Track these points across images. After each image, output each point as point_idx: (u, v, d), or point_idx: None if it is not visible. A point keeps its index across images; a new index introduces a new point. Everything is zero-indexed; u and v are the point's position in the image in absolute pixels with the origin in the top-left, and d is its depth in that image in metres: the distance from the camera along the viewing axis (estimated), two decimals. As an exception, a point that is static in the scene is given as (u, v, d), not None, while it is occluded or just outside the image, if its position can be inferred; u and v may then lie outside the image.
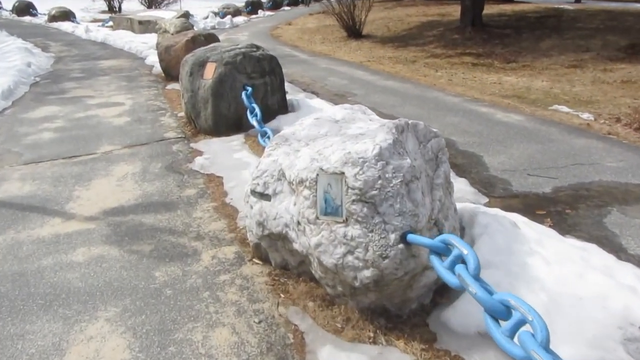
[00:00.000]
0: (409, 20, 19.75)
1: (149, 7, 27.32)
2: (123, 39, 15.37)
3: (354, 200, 2.15)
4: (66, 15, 22.01)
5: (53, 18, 21.95)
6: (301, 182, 2.36)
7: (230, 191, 4.00)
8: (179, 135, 5.76)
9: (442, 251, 1.96)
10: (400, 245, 2.09)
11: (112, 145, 5.51)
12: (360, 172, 2.15)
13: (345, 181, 2.18)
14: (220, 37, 11.61)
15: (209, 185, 4.21)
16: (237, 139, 5.38)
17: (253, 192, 2.73)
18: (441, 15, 20.32)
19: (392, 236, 2.09)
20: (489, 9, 16.83)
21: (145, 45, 13.79)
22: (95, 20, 23.60)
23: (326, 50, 14.22)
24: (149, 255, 3.11)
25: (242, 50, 5.67)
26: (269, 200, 2.63)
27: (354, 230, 2.15)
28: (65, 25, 20.97)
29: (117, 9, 27.01)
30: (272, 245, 2.75)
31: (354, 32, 16.53)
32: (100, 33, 17.50)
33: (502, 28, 16.15)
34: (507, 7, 21.14)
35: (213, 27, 19.72)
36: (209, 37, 9.10)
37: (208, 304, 2.61)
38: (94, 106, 7.51)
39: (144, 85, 9.06)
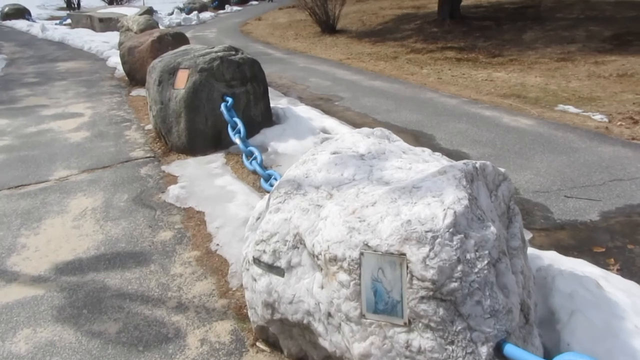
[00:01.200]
0: (383, 14, 19.11)
1: (110, 3, 25.97)
2: (82, 38, 14.26)
3: (422, 297, 1.44)
4: (20, 12, 20.58)
5: (6, 16, 20.51)
6: (334, 260, 1.63)
7: (216, 234, 3.23)
8: (148, 155, 4.93)
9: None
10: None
11: (68, 170, 4.65)
12: (432, 255, 1.43)
13: (408, 267, 1.46)
14: (187, 35, 10.71)
15: (188, 224, 3.42)
16: (217, 159, 4.60)
17: (257, 262, 1.98)
18: (416, 8, 19.74)
19: (483, 350, 1.39)
20: (464, 1, 16.30)
21: (107, 45, 12.76)
22: (52, 18, 22.20)
23: (301, 47, 13.44)
24: (116, 340, 2.33)
25: (219, 54, 4.87)
26: (282, 275, 1.89)
27: (424, 340, 1.44)
28: (19, 24, 19.58)
29: (75, 6, 25.56)
30: (285, 332, 2.02)
31: (328, 27, 15.79)
32: (57, 32, 16.29)
33: (481, 20, 15.64)
34: (482, -1, 20.71)
35: (179, 24, 18.68)
36: (177, 37, 8.22)
37: None
38: (49, 118, 6.59)
39: (106, 92, 8.14)
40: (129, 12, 16.75)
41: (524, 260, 1.84)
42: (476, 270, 1.45)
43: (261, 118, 5.07)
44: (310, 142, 4.78)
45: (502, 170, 1.98)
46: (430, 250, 1.45)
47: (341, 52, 12.32)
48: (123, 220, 3.55)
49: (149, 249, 3.14)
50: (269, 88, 5.76)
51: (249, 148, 4.20)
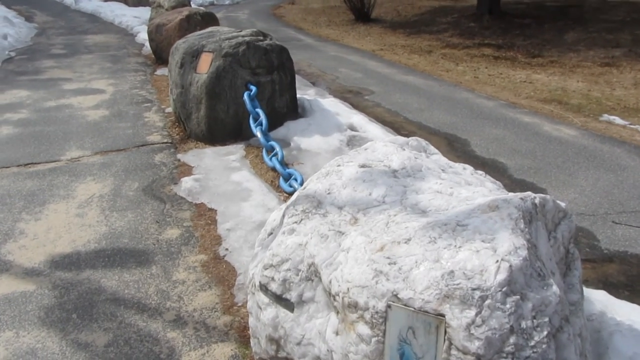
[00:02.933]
0: (419, 5, 18.55)
1: (145, -23, 25.79)
2: (114, 11, 14.12)
3: (463, 373, 1.13)
4: (55, -18, 20.50)
5: (41, -15, 20.46)
6: (354, 307, 1.35)
7: (226, 236, 2.97)
8: (165, 140, 4.69)
9: None
10: None
11: (81, 150, 4.44)
12: (478, 321, 1.14)
13: (447, 332, 1.16)
14: (218, 15, 10.45)
15: (198, 223, 3.17)
16: (236, 151, 4.33)
17: (264, 290, 1.70)
18: (454, 1, 19.12)
19: None
20: (505, -4, 15.67)
21: (137, 20, 12.58)
22: (86, -10, 22.12)
23: (333, 34, 13.07)
24: (103, 355, 2.09)
25: (246, 38, 4.57)
26: (291, 309, 1.61)
27: None
28: (54, -7, 19.57)
29: (110, -21, 25.42)
30: (291, 371, 1.74)
31: (362, 15, 15.34)
32: (90, 4, 16.20)
33: (521, 17, 15.02)
34: (524, -5, 19.98)
35: (211, 3, 18.42)
36: (206, 17, 7.96)
37: None
38: (70, 93, 6.41)
39: (131, 69, 7.93)
40: (162, -12, 16.55)
41: (583, 318, 1.53)
42: (533, 343, 1.14)
43: (286, 110, 4.78)
44: (336, 140, 4.47)
45: (563, 205, 1.66)
46: (477, 315, 1.15)
47: (374, 43, 11.92)
48: (130, 211, 3.32)
49: (153, 247, 2.90)
50: (297, 76, 5.47)
51: (270, 142, 3.92)
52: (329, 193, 1.82)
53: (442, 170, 1.96)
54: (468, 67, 9.33)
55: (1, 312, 2.36)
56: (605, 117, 6.17)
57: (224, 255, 2.80)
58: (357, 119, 5.03)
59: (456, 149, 4.67)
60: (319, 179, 1.94)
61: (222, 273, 2.66)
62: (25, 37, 10.89)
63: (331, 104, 5.34)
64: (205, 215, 3.26)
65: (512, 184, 3.93)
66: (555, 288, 1.22)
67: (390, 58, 9.78)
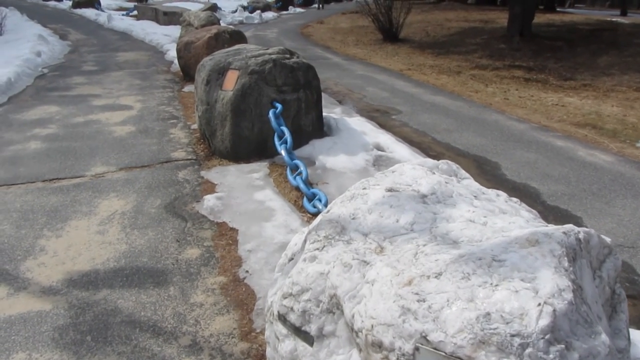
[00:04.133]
0: (449, 25, 18.49)
1: (177, -3, 26.35)
2: (145, 30, 14.41)
3: None
4: (90, 1, 21.19)
5: (77, 4, 21.16)
6: (378, 346, 1.24)
7: (247, 258, 2.89)
8: (189, 157, 4.67)
9: None
10: None
11: (106, 166, 4.44)
12: (518, 371, 1.01)
13: (481, 382, 1.04)
14: (247, 34, 10.56)
15: (219, 243, 3.09)
16: (260, 169, 4.27)
17: (283, 320, 1.61)
18: (483, 22, 19.02)
19: None
20: (535, 18, 15.44)
21: (168, 38, 12.80)
22: (120, 9, 22.77)
23: (361, 53, 13.06)
24: (115, 381, 2.01)
25: (273, 56, 4.54)
26: (310, 343, 1.51)
27: None
28: (88, 12, 20.18)
29: (144, -2, 26.12)
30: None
31: (390, 35, 15.33)
32: (123, 22, 16.61)
33: (553, 40, 14.81)
34: (555, 17, 19.76)
35: (241, 22, 18.69)
36: (235, 35, 8.01)
37: None
38: (98, 109, 6.48)
39: (159, 85, 8.01)
40: (193, 7, 16.87)
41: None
42: (579, 399, 1.02)
43: (311, 128, 4.72)
44: (362, 159, 4.38)
45: (608, 240, 1.52)
46: (516, 364, 1.03)
47: (402, 62, 11.86)
48: (151, 229, 3.27)
49: (172, 267, 2.83)
50: (323, 94, 5.41)
51: (294, 161, 3.85)
52: (353, 218, 1.72)
53: (475, 196, 1.84)
54: (498, 88, 9.18)
55: (15, 332, 2.31)
56: (643, 143, 5.94)
57: (244, 278, 2.72)
58: (384, 138, 4.93)
59: (486, 172, 4.53)
60: (343, 202, 1.85)
61: (241, 296, 2.57)
62: (59, 55, 11.16)
63: (358, 123, 5.26)
64: (227, 235, 3.18)
65: (545, 210, 3.77)
66: (604, 337, 1.10)
67: (418, 78, 9.69)
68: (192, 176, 4.21)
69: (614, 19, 19.54)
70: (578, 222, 3.58)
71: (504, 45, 14.31)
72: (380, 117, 6.38)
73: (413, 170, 2.03)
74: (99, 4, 21.49)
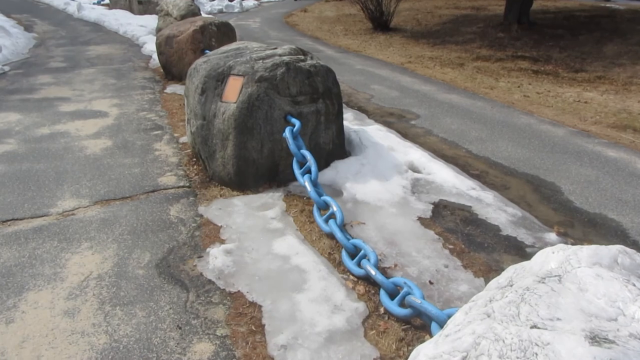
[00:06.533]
0: (439, 13, 17.70)
1: (150, -16, 24.95)
2: (119, 20, 13.25)
3: None
4: (58, -11, 19.74)
5: (43, -8, 19.74)
6: None
7: (279, 357, 2.01)
8: (181, 184, 3.77)
9: None
10: None
11: (77, 198, 3.51)
12: None
13: None
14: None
15: (237, 331, 2.21)
16: (274, 202, 3.38)
17: None
18: (475, 10, 18.28)
19: None
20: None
21: (144, 30, 11.70)
22: (91, -4, 21.33)
23: (353, 44, 12.17)
24: None
25: (284, 58, 3.64)
26: None
27: None
28: (56, 1, 18.85)
29: (115, -15, 24.62)
30: None
31: (380, 24, 14.49)
32: (94, 12, 15.38)
33: (552, 28, 14.13)
34: (548, 3, 19.12)
35: (220, 11, 17.58)
36: (223, 28, 7.04)
37: None
38: (67, 116, 5.50)
39: (137, 85, 7.02)
40: (169, -5, 15.71)
41: None
42: None
43: (332, 146, 3.84)
44: (398, 186, 3.53)
45: None
46: None
47: (399, 54, 11.02)
48: (139, 306, 2.37)
49: (175, 380, 1.94)
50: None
51: (322, 198, 2.98)
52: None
53: None
54: (510, 82, 8.41)
55: None
56: (698, 149, 5.21)
57: (284, 400, 1.84)
58: (417, 155, 4.08)
59: (547, 197, 3.72)
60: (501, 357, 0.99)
61: None
62: (23, 49, 10.02)
63: (381, 135, 4.40)
64: (247, 316, 2.30)
65: (632, 246, 2.96)
66: None
67: (422, 72, 8.85)
68: (187, 213, 3.31)
69: (607, 5, 18.96)
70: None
71: (503, 34, 13.59)
72: (398, 123, 5.53)
73: (598, 280, 1.18)
74: (67, -9, 20.06)
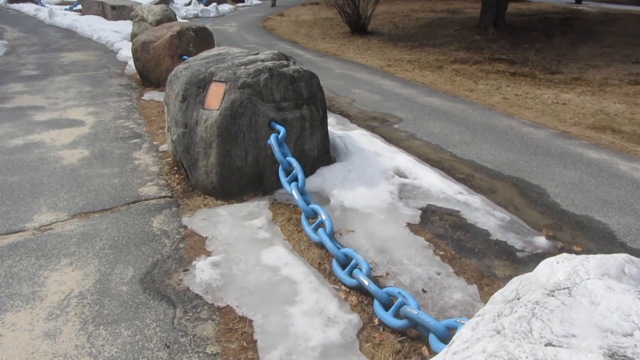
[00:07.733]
0: (416, 17, 17.81)
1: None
2: (92, 26, 13.00)
3: None
4: (29, -5, 19.36)
5: (15, -1, 19.32)
6: None
7: (276, 377, 1.94)
8: (163, 194, 3.66)
9: None
10: None
11: (54, 212, 3.38)
12: None
13: None
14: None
15: (228, 347, 2.13)
16: (260, 211, 3.31)
17: None
18: (451, 13, 18.45)
19: None
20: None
21: (118, 35, 11.50)
22: (63, 3, 20.96)
23: (331, 48, 12.15)
24: None
25: (267, 63, 3.57)
26: None
27: None
28: (27, 7, 18.42)
29: (87, -10, 24.21)
30: None
31: (358, 27, 14.51)
32: (66, 18, 15.06)
33: (527, 30, 14.35)
34: (522, 6, 19.39)
35: (196, 16, 17.40)
36: (200, 33, 6.94)
37: None
38: (41, 125, 5.33)
39: (113, 92, 6.87)
40: (144, 1, 15.50)
41: None
42: None
43: (317, 152, 3.78)
44: (385, 191, 3.49)
45: None
46: None
47: (378, 57, 11.03)
48: (124, 325, 2.27)
49: (165, 403, 1.85)
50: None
51: (310, 207, 2.91)
52: None
53: None
54: (489, 85, 8.47)
55: None
56: (675, 148, 5.30)
57: (280, 420, 1.77)
58: (403, 160, 4.05)
59: (533, 200, 3.72)
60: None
61: None
62: (-7, 57, 9.73)
63: (366, 140, 4.36)
64: (237, 331, 2.22)
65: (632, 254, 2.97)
66: None
67: (402, 75, 8.87)
68: (171, 225, 3.21)
69: (579, 7, 19.35)
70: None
71: (479, 36, 13.74)
72: (381, 127, 5.50)
73: (609, 292, 1.14)
74: (39, -3, 19.69)
